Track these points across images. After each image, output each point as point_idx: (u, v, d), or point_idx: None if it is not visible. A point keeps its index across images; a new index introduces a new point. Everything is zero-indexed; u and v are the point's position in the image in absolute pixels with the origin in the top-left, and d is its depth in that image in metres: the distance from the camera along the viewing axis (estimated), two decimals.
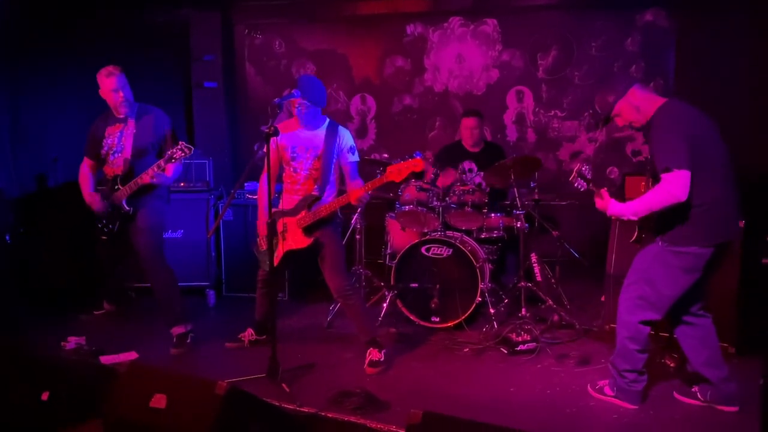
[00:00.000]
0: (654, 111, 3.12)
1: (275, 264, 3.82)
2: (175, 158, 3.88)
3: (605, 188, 3.25)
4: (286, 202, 3.91)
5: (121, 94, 4.06)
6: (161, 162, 3.92)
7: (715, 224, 3.04)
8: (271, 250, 3.56)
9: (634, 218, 3.10)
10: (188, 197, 5.31)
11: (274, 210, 3.68)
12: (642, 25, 5.82)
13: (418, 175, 4.70)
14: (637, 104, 3.17)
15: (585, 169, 3.44)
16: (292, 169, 3.91)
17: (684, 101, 3.15)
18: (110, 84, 4.04)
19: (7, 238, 5.18)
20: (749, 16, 5.17)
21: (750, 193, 4.27)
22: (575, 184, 3.42)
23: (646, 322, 3.16)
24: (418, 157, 3.60)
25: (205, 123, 6.43)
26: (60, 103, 5.65)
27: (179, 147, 3.87)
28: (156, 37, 6.19)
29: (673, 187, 2.91)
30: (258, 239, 4.02)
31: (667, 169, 2.92)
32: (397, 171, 3.54)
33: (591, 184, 3.38)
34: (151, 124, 4.13)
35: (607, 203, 3.19)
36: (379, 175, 4.95)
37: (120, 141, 4.12)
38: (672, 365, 3.70)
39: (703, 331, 3.25)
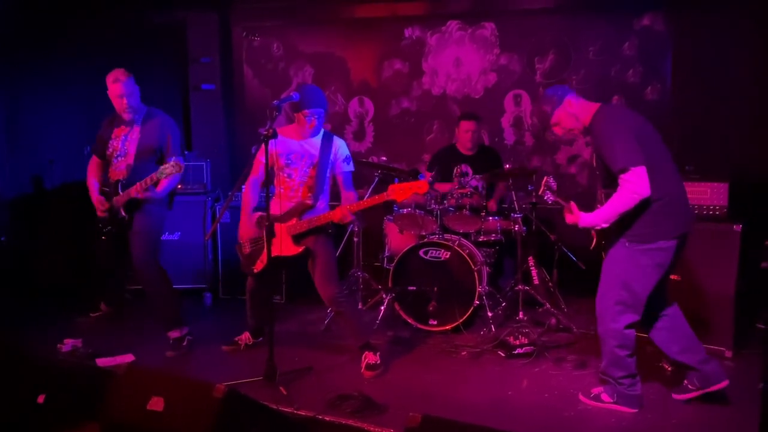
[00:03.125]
0: (591, 117, 3.16)
1: (261, 268, 3.80)
2: (165, 174, 3.83)
3: (573, 202, 3.26)
4: (278, 206, 3.82)
5: (125, 101, 4.03)
6: (153, 175, 3.87)
7: (675, 216, 3.09)
8: (269, 251, 3.51)
9: (606, 225, 3.12)
10: (185, 199, 5.29)
11: (264, 214, 3.59)
12: (639, 30, 5.83)
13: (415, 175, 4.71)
14: (574, 112, 3.22)
15: (551, 181, 3.46)
16: (286, 175, 3.85)
17: (616, 106, 3.19)
18: (116, 90, 4.03)
19: (2, 238, 5.16)
20: (747, 20, 5.18)
21: (749, 195, 4.30)
22: (544, 197, 3.44)
23: (629, 326, 3.18)
24: (423, 180, 3.53)
25: (202, 125, 6.41)
26: (56, 104, 5.64)
27: (171, 164, 3.82)
28: (153, 38, 6.18)
29: (635, 185, 2.93)
30: (240, 241, 3.95)
31: (624, 170, 2.95)
32: (399, 191, 3.44)
33: (555, 195, 3.39)
34: (155, 129, 4.11)
35: (578, 216, 3.20)
36: (377, 179, 5.03)
37: (124, 145, 4.10)
38: (668, 369, 3.70)
39: (671, 320, 3.29)
